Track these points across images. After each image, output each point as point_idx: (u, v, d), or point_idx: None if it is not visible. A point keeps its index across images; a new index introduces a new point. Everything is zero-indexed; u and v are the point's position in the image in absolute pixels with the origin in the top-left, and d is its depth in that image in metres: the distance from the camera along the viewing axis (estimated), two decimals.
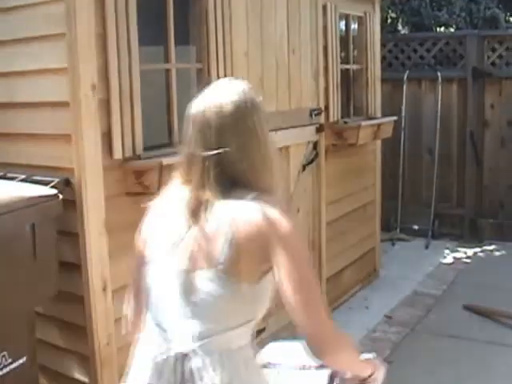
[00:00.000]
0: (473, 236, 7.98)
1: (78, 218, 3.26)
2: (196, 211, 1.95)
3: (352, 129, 5.62)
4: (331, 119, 5.53)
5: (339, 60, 5.69)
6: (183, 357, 1.93)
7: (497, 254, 7.66)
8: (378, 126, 6.03)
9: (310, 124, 5.28)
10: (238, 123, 1.99)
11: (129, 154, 3.42)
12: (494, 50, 8.01)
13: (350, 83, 6.10)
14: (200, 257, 1.91)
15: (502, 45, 7.96)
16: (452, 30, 11.92)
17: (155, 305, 2.04)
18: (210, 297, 1.89)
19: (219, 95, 2.02)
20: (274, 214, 1.89)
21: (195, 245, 1.92)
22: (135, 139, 3.44)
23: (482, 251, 7.70)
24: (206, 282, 1.89)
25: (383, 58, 7.85)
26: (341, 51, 5.86)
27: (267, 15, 4.67)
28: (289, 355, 2.28)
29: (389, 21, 11.14)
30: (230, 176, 1.95)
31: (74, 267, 3.31)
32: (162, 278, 2.01)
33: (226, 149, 1.94)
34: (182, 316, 1.94)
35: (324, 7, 5.41)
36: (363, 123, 5.72)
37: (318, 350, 1.90)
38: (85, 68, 3.18)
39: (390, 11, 10.78)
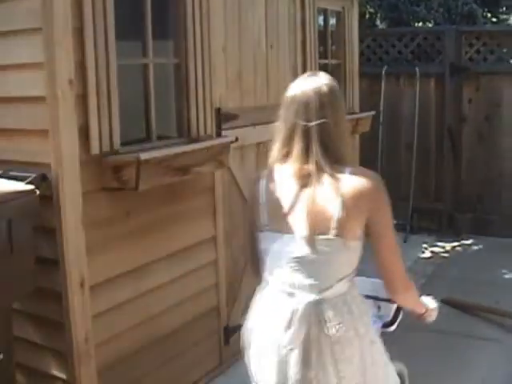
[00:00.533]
0: (451, 230, 8.04)
1: (55, 214, 3.24)
2: (306, 183, 2.33)
3: None
4: None
5: (317, 55, 5.71)
6: (308, 306, 2.31)
7: (475, 248, 7.73)
8: (357, 120, 6.06)
9: None
10: (334, 101, 2.39)
11: (106, 149, 3.41)
12: (471, 45, 8.06)
13: None
14: (316, 224, 2.28)
15: (480, 40, 8.01)
16: (430, 25, 11.98)
17: (276, 265, 2.40)
18: (326, 256, 2.30)
19: (314, 80, 2.44)
20: (371, 180, 2.32)
21: (310, 213, 2.29)
22: (113, 134, 3.43)
23: (460, 245, 7.75)
24: (323, 245, 2.29)
25: (361, 53, 7.88)
26: (319, 46, 5.87)
27: (245, 10, 4.68)
28: (368, 288, 2.78)
29: (367, 16, 11.18)
30: (327, 147, 2.33)
31: (51, 263, 3.30)
32: (282, 243, 2.37)
33: (326, 120, 2.33)
34: (304, 272, 2.33)
35: (302, 2, 5.42)
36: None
37: (393, 288, 2.43)
38: (62, 63, 3.16)
39: (368, 6, 10.82)
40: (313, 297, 2.33)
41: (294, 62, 5.32)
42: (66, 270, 3.27)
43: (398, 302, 2.63)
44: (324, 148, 2.32)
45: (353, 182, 2.30)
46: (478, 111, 8.01)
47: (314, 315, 2.31)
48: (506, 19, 15.64)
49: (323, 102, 2.36)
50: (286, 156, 2.42)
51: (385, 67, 7.99)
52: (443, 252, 7.48)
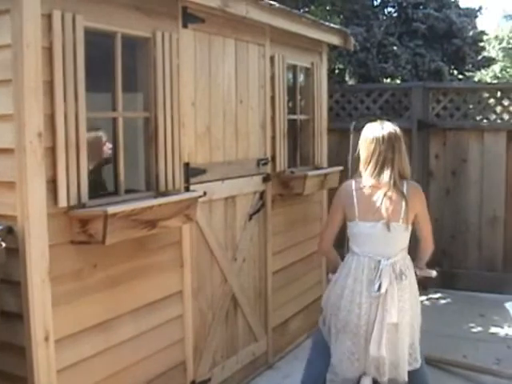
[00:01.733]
0: (418, 284, 8.07)
1: (20, 267, 3.23)
2: (388, 190, 3.97)
3: (298, 179, 5.67)
4: (278, 169, 5.58)
5: (286, 110, 5.78)
6: (389, 265, 3.90)
7: (441, 301, 7.79)
8: (325, 175, 6.10)
9: (257, 174, 5.34)
10: (401, 140, 4.13)
11: (74, 202, 3.41)
12: (438, 101, 8.24)
13: (297, 133, 6.18)
14: (392, 214, 3.94)
15: (446, 97, 8.20)
16: (398, 81, 12.20)
17: (366, 241, 3.99)
18: (397, 235, 3.96)
19: (387, 126, 4.14)
20: (419, 188, 4.14)
21: (389, 208, 3.94)
22: (80, 187, 3.44)
23: (427, 299, 7.80)
24: (396, 227, 3.94)
25: (330, 109, 8.00)
26: (288, 101, 5.94)
27: (215, 65, 4.74)
28: None
29: (336, 72, 11.36)
30: (397, 171, 4.03)
31: (15, 317, 3.27)
32: (371, 226, 3.97)
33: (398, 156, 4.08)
34: (384, 245, 3.96)
35: (272, 58, 5.50)
36: (309, 173, 5.78)
37: (430, 247, 4.33)
38: (31, 115, 3.18)
39: (337, 62, 10.99)
40: (390, 260, 3.92)
41: (263, 117, 5.39)
42: (31, 323, 3.24)
43: (430, 253, 4.37)
44: (396, 172, 4.03)
45: (413, 191, 4.06)
46: (444, 166, 8.15)
47: (392, 271, 3.91)
48: (472, 76, 15.99)
49: (397, 143, 4.08)
50: (372, 173, 4.04)
51: (353, 123, 8.10)
52: None
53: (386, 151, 4.07)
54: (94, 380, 3.67)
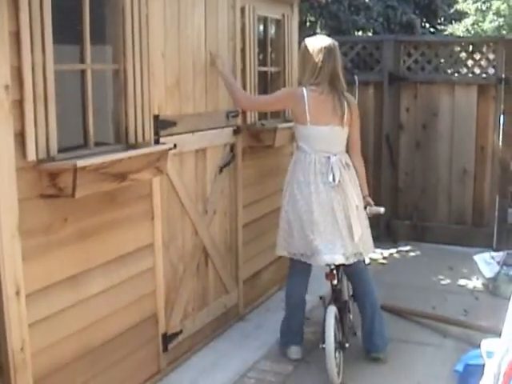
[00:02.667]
0: (388, 237, 8.18)
1: None
2: (337, 98, 4.69)
3: (269, 131, 5.69)
4: (248, 121, 5.60)
5: (257, 62, 5.76)
6: (334, 159, 4.66)
7: (411, 254, 7.89)
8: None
9: (227, 126, 5.33)
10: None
11: (43, 155, 3.39)
12: (409, 55, 8.24)
13: (267, 85, 6.16)
14: (339, 119, 4.68)
15: (417, 50, 8.20)
16: (369, 34, 12.17)
17: (316, 141, 4.70)
18: (340, 136, 4.76)
19: (326, 37, 4.94)
20: (353, 98, 4.88)
21: (336, 114, 4.67)
22: (49, 141, 3.42)
23: (397, 252, 7.91)
24: (339, 130, 4.71)
25: None
26: (259, 54, 5.92)
27: (184, 16, 4.70)
28: None
29: (307, 24, 11.31)
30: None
31: None
32: (321, 130, 4.67)
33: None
34: (331, 144, 4.71)
35: (242, 9, 5.47)
36: (280, 125, 5.77)
37: (360, 163, 4.98)
38: None
39: (308, 14, 10.94)
40: (337, 156, 4.68)
41: (233, 69, 5.36)
42: (1, 278, 3.24)
43: (361, 163, 5.00)
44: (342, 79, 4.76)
45: (349, 97, 4.81)
46: (415, 119, 8.19)
47: (340, 163, 4.67)
48: (444, 30, 16.00)
49: (338, 51, 4.76)
50: (322, 82, 4.66)
51: None
52: (381, 258, 7.63)
53: (334, 61, 4.71)
54: (65, 334, 3.69)
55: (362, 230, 4.75)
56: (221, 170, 5.29)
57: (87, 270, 3.83)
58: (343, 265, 4.77)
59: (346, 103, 4.74)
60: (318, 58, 4.68)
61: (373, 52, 8.37)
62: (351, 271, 4.91)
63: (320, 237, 4.66)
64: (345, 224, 4.67)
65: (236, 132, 5.42)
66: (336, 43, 4.80)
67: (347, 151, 4.93)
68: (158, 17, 4.37)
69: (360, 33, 12.36)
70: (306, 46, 4.81)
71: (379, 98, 8.22)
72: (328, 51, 4.69)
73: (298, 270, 4.94)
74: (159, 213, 4.47)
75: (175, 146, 4.34)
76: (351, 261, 4.73)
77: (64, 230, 3.63)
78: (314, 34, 10.76)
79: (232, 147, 5.42)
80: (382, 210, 4.99)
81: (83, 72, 3.79)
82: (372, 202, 4.98)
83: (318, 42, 4.76)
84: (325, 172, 4.66)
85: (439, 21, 14.41)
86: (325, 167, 4.67)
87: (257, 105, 5.28)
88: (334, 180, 4.63)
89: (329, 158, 4.67)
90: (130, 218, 4.18)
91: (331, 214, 4.65)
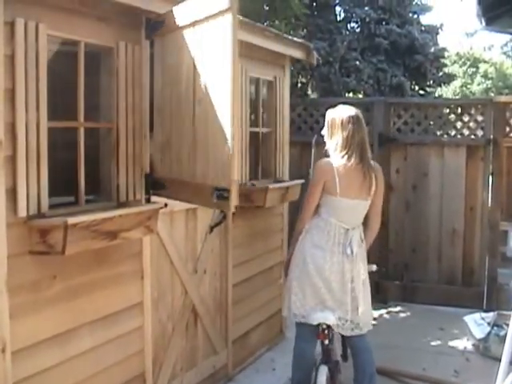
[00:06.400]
0: (378, 298, 8.14)
1: None
2: (365, 171, 4.65)
3: (260, 191, 5.69)
4: (239, 181, 5.58)
5: (248, 123, 5.81)
6: (354, 232, 4.70)
7: (402, 315, 7.86)
8: (286, 188, 6.12)
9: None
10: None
11: (33, 211, 3.39)
12: (399, 116, 8.34)
13: (258, 146, 6.20)
14: (366, 193, 4.69)
15: (407, 112, 8.31)
16: (360, 96, 12.32)
17: (341, 213, 4.66)
18: (364, 209, 4.80)
19: (351, 107, 4.87)
20: (380, 169, 4.86)
21: (364, 187, 4.67)
22: (40, 197, 3.43)
23: (387, 312, 7.87)
24: (365, 204, 4.74)
25: (292, 122, 8.03)
26: (250, 114, 5.97)
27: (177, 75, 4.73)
28: None
29: (299, 85, 11.43)
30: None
31: None
32: (348, 202, 4.64)
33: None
34: (354, 217, 4.74)
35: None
36: (271, 186, 5.80)
37: (376, 231, 4.99)
38: None
39: (300, 76, 11.07)
40: (356, 229, 4.72)
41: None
42: None
43: (376, 231, 5.06)
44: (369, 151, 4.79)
45: (377, 170, 4.80)
46: (405, 181, 8.24)
47: (359, 238, 4.73)
48: (433, 92, 16.21)
49: (363, 121, 4.79)
50: (351, 154, 4.61)
51: (315, 136, 8.12)
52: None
53: (361, 131, 4.68)
54: None
55: (365, 305, 4.75)
56: (211, 230, 5.29)
57: (75, 329, 3.79)
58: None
59: (373, 175, 4.71)
60: (348, 130, 4.64)
61: (363, 114, 8.40)
62: (353, 341, 4.86)
63: (323, 298, 4.66)
64: (349, 295, 4.67)
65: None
66: (360, 113, 4.81)
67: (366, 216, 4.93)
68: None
69: (351, 94, 12.52)
70: (333, 118, 4.78)
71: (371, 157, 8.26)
72: (356, 122, 4.68)
73: (307, 331, 4.78)
74: (149, 272, 4.45)
75: (166, 205, 4.34)
76: (348, 332, 4.72)
77: (52, 288, 3.60)
78: (305, 94, 10.90)
79: None
80: (374, 267, 5.05)
81: (76, 130, 3.80)
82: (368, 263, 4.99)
83: (346, 113, 4.73)
84: (342, 243, 4.66)
85: (428, 83, 14.60)
86: (343, 238, 4.67)
87: (306, 213, 4.81)
88: (351, 252, 4.65)
89: (348, 230, 4.68)
90: (119, 276, 4.16)
91: (341, 282, 4.65)
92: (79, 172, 3.81)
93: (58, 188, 3.68)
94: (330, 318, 4.63)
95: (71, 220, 3.37)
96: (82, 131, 3.81)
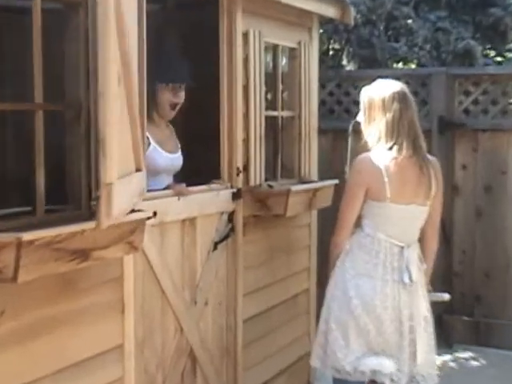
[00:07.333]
0: (441, 338, 8.10)
1: None
2: (421, 165, 4.70)
3: (279, 195, 5.69)
4: (252, 182, 5.63)
5: (264, 105, 5.82)
6: (410, 251, 4.69)
7: (473, 363, 7.76)
8: (314, 191, 6.14)
9: (225, 188, 5.38)
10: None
11: None
12: (467, 93, 8.27)
13: (277, 135, 6.21)
14: (424, 196, 4.72)
15: (479, 87, 8.22)
16: (413, 66, 12.27)
17: (393, 225, 4.68)
18: (422, 218, 4.82)
19: (394, 81, 4.92)
20: (438, 164, 5.01)
21: (422, 188, 4.70)
22: None
23: (453, 360, 7.79)
24: (423, 211, 4.76)
25: (322, 103, 8.05)
26: (266, 93, 5.98)
27: None
28: None
29: (330, 53, 11.42)
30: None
31: None
32: (402, 210, 4.65)
33: None
34: (409, 229, 4.75)
35: (245, 35, 5.54)
36: (293, 188, 5.80)
37: (436, 245, 5.06)
38: None
39: (332, 41, 11.05)
40: (412, 246, 4.76)
41: (232, 113, 5.42)
42: None
43: (436, 246, 5.14)
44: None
45: (435, 165, 4.91)
46: (475, 180, 8.18)
47: (417, 258, 4.75)
48: None
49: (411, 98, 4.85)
50: (401, 143, 4.66)
51: (352, 122, 8.09)
52: None
53: (410, 111, 4.69)
54: None
55: (427, 350, 4.73)
56: (215, 247, 5.31)
57: (33, 381, 3.80)
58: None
59: (432, 171, 4.74)
60: (393, 111, 4.65)
61: (418, 90, 8.37)
62: None
63: (373, 344, 4.64)
64: (408, 338, 4.64)
65: (236, 196, 5.47)
66: (406, 88, 4.79)
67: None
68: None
69: (400, 65, 12.48)
70: (371, 97, 4.81)
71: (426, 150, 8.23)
72: (403, 99, 4.68)
73: None
74: (132, 303, 4.46)
75: (155, 213, 4.36)
76: None
77: (1, 327, 3.62)
78: (339, 65, 10.90)
79: (230, 216, 5.45)
80: (446, 296, 5.20)
81: (32, 114, 3.81)
82: (430, 287, 5.00)
83: (388, 89, 4.74)
84: (397, 267, 4.64)
85: (508, 46, 14.45)
86: (397, 261, 4.65)
87: (344, 227, 4.84)
88: (410, 280, 4.62)
89: (402, 248, 4.67)
90: (92, 309, 4.17)
91: (396, 322, 4.62)
92: (38, 172, 3.82)
93: (8, 193, 3.70)
94: (386, 366, 4.59)
95: (27, 236, 3.38)
96: (40, 116, 3.82)
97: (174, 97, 5.18)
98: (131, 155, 3.81)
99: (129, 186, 3.69)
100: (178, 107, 5.24)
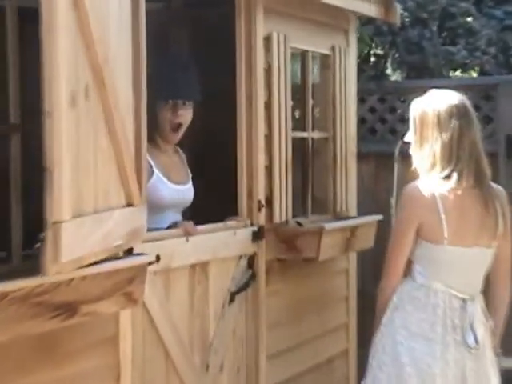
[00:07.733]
0: None
1: None
2: (487, 197, 4.60)
3: (310, 235, 5.71)
4: (276, 219, 5.65)
5: (290, 124, 5.83)
6: (474, 305, 4.58)
7: None
8: (352, 230, 6.15)
9: (244, 226, 5.38)
10: None
11: None
12: None
13: (307, 161, 6.23)
14: (490, 236, 4.57)
15: None
16: (474, 75, 12.25)
17: (451, 272, 4.56)
18: (488, 263, 4.68)
19: (452, 92, 4.71)
20: (505, 194, 4.93)
21: (487, 227, 4.55)
22: None
23: None
24: (489, 254, 4.63)
25: (362, 121, 8.05)
26: (293, 109, 5.99)
27: None
28: None
29: (372, 60, 11.42)
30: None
31: None
32: (464, 253, 4.53)
33: None
34: (472, 278, 4.63)
35: (267, 39, 5.59)
36: (327, 226, 5.81)
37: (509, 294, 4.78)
38: None
39: (373, 45, 11.05)
40: (476, 298, 4.64)
41: (251, 134, 5.41)
42: None
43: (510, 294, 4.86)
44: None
45: (503, 196, 4.80)
46: None
47: (482, 313, 4.64)
48: None
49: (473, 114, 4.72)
50: (461, 170, 4.50)
51: (399, 143, 8.08)
52: None
53: (472, 131, 4.54)
54: None
55: None
56: (232, 299, 5.30)
57: None
58: None
59: (498, 205, 4.61)
60: (451, 130, 4.47)
61: (480, 104, 8.37)
62: None
63: None
64: None
65: (257, 236, 5.48)
66: (467, 101, 4.62)
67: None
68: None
69: (458, 73, 12.47)
70: (424, 112, 4.61)
71: (492, 175, 8.19)
72: (463, 115, 4.52)
73: None
74: (129, 369, 4.45)
75: (158, 257, 4.37)
76: None
77: None
78: (383, 75, 10.90)
79: (250, 261, 5.45)
80: None
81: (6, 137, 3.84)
82: (499, 350, 4.84)
83: (444, 103, 4.55)
84: (460, 326, 4.50)
85: None
86: (459, 317, 4.52)
87: (392, 274, 4.72)
88: (476, 341, 4.47)
89: (464, 301, 4.54)
90: (80, 378, 4.16)
91: None
92: (14, 209, 3.84)
93: None
94: None
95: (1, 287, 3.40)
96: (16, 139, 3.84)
97: (174, 116, 5.15)
98: (116, 187, 3.79)
99: (99, 224, 3.64)
100: (182, 129, 5.21)
